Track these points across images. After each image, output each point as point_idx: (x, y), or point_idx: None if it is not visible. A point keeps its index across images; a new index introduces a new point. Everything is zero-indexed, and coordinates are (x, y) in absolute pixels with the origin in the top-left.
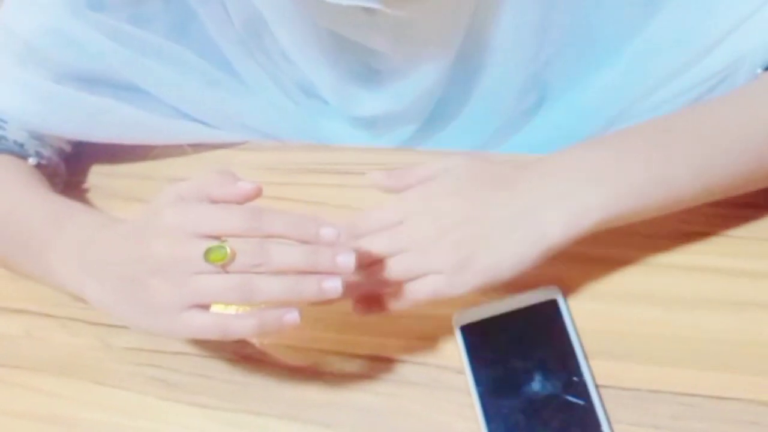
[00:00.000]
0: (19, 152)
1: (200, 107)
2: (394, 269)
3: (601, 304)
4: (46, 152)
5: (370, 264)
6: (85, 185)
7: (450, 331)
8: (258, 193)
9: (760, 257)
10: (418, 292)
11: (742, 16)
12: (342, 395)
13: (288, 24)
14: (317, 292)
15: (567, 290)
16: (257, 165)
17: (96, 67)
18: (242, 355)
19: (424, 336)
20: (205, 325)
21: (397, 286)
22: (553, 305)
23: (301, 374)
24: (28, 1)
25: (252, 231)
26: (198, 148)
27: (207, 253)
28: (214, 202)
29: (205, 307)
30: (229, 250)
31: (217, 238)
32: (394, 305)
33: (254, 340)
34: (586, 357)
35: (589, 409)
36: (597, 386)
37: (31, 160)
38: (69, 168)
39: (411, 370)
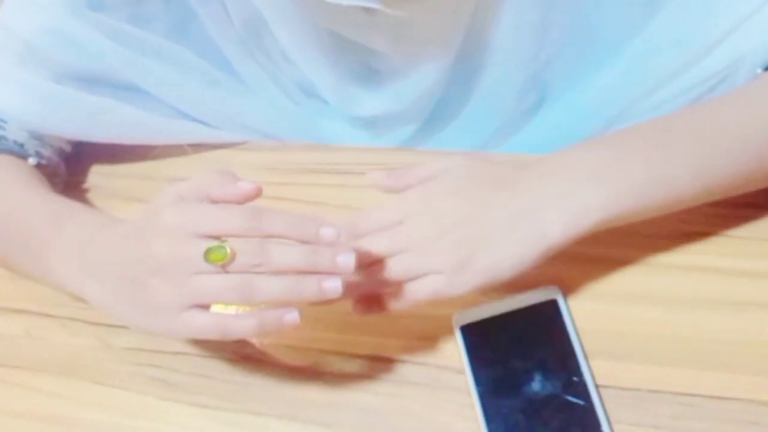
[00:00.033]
0: (19, 152)
1: (200, 107)
2: (394, 269)
3: (601, 304)
4: (46, 152)
5: (370, 264)
6: (85, 185)
7: (450, 331)
8: (258, 193)
9: (760, 257)
10: (418, 292)
11: (742, 16)
12: (342, 395)
13: (288, 24)
14: (317, 292)
15: (567, 290)
16: (257, 165)
17: (96, 67)
18: (242, 355)
19: (424, 336)
20: (205, 325)
21: (397, 286)
22: (553, 305)
23: (301, 374)
24: (28, 1)
25: (252, 231)
26: (198, 148)
27: (207, 253)
28: (214, 202)
29: (205, 307)
30: (229, 250)
31: (217, 238)
32: (394, 305)
33: (254, 340)
34: (586, 357)
35: (589, 409)
36: (597, 386)
37: (31, 160)
38: (69, 168)
39: (411, 370)
